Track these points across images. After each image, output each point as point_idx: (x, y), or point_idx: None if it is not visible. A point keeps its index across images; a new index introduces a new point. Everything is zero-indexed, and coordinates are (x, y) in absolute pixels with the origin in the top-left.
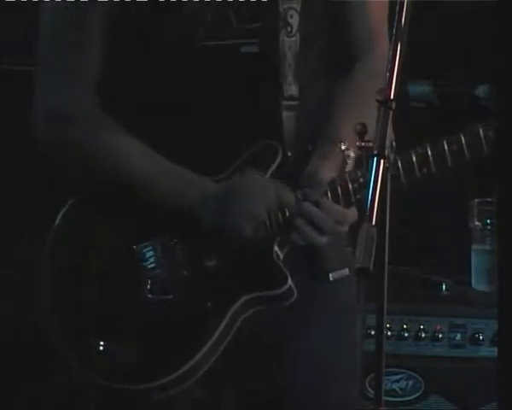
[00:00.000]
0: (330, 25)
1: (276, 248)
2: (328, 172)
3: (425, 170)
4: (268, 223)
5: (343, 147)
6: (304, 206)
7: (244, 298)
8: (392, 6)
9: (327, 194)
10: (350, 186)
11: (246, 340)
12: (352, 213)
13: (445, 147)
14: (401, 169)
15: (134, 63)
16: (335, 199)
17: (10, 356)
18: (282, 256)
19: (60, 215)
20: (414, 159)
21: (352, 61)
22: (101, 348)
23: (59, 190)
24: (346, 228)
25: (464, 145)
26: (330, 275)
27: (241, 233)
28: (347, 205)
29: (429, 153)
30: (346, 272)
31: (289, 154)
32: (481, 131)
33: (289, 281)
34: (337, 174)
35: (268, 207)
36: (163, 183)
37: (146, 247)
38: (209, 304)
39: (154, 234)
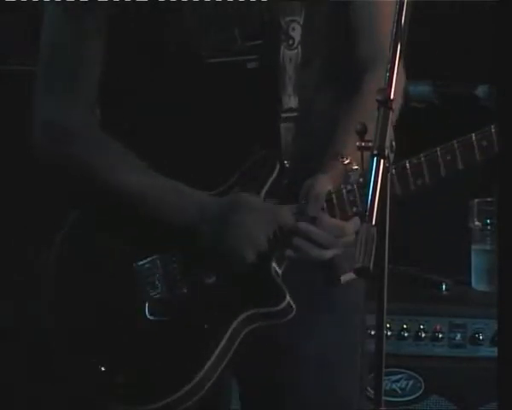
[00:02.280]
0: (333, 38)
1: (274, 264)
2: (324, 184)
3: (419, 181)
4: (266, 244)
5: (346, 161)
6: (300, 225)
7: (243, 315)
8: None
9: (323, 208)
10: (345, 198)
11: (248, 349)
12: (353, 224)
13: (439, 154)
14: (396, 182)
15: (136, 78)
16: (332, 212)
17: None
18: (280, 272)
19: (61, 233)
20: (408, 169)
21: (358, 75)
22: (102, 369)
23: (58, 200)
24: (349, 239)
25: (458, 154)
26: (342, 278)
27: (240, 257)
28: (344, 217)
29: (423, 162)
30: None
31: (287, 164)
32: (474, 140)
33: (287, 297)
34: (333, 187)
35: (267, 231)
36: (161, 199)
37: (145, 265)
38: (209, 322)
39: (153, 251)
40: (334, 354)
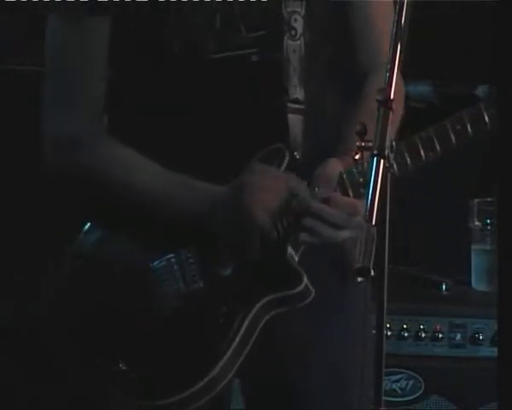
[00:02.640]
0: (336, 34)
1: (289, 248)
2: (335, 167)
3: (430, 153)
4: (280, 222)
5: (357, 157)
6: (312, 205)
7: (261, 303)
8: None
9: (335, 189)
10: (356, 178)
11: (269, 343)
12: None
13: (448, 127)
14: (407, 156)
15: (142, 78)
16: (344, 192)
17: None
18: (297, 256)
19: (76, 237)
20: (419, 143)
21: (359, 78)
22: (120, 365)
23: (71, 208)
24: (360, 220)
25: (467, 123)
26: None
27: (255, 227)
28: (357, 196)
29: (433, 135)
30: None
31: (297, 155)
32: (483, 108)
33: (305, 280)
34: (343, 168)
35: (281, 198)
36: (173, 196)
37: (161, 264)
38: (226, 313)
39: (168, 249)
40: (345, 355)
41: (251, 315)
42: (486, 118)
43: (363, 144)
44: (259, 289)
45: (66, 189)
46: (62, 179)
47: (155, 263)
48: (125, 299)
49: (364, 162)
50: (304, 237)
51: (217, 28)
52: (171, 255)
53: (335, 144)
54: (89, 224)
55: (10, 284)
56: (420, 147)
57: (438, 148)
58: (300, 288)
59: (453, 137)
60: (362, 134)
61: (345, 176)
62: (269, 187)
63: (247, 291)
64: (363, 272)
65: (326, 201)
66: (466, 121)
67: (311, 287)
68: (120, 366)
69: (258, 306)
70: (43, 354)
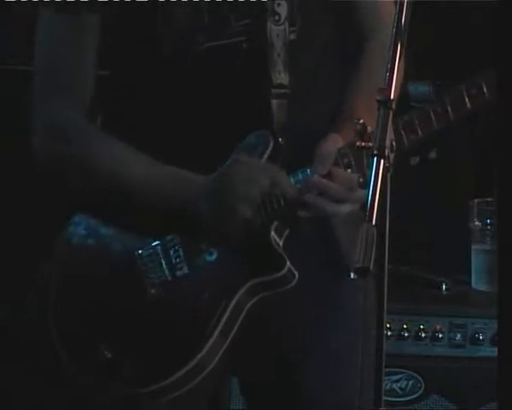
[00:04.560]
0: (332, 15)
1: (273, 233)
2: (334, 142)
3: (413, 136)
4: (263, 208)
5: (360, 122)
6: (311, 180)
7: (245, 287)
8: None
9: (338, 163)
10: (360, 151)
11: (254, 329)
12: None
13: (464, 91)
14: (418, 124)
15: (132, 69)
16: (347, 166)
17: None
18: (281, 242)
19: (65, 228)
20: (431, 113)
21: (360, 43)
22: (107, 353)
23: (58, 200)
24: (361, 193)
25: (484, 87)
26: (352, 274)
27: (238, 218)
28: (360, 172)
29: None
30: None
31: (281, 141)
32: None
33: (288, 264)
34: (347, 143)
35: (262, 189)
36: (158, 186)
37: (147, 251)
38: (211, 298)
39: (154, 237)
40: (342, 354)
41: (234, 300)
42: (485, 89)
43: (363, 144)
44: (243, 274)
45: (53, 179)
46: (49, 170)
47: (142, 251)
48: (112, 287)
49: (369, 129)
50: (304, 213)
51: (206, 20)
52: (157, 243)
53: (340, 108)
54: (77, 214)
55: (10, 283)
56: (416, 123)
57: (435, 124)
58: (283, 271)
59: (451, 113)
60: (362, 134)
61: (348, 150)
62: (249, 178)
63: (231, 276)
64: (364, 272)
65: (326, 176)
66: (464, 95)
67: (294, 271)
68: (105, 353)
69: (241, 291)
70: (32, 345)
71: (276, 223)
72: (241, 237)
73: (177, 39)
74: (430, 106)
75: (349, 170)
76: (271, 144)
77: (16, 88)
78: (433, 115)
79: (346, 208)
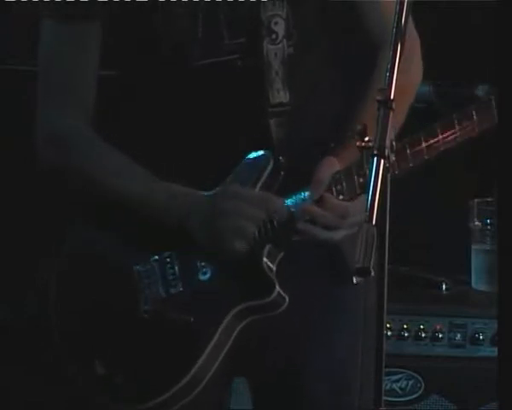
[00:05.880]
0: (332, 27)
1: (265, 259)
2: (330, 166)
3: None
4: (256, 233)
5: (366, 139)
6: (303, 207)
7: (234, 311)
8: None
9: (331, 189)
10: (355, 178)
11: (257, 334)
12: (359, 203)
13: (455, 121)
14: (409, 154)
15: (128, 84)
16: (340, 192)
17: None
18: (274, 266)
19: (67, 241)
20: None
21: (371, 51)
22: (103, 368)
23: (58, 206)
24: (355, 219)
25: (474, 115)
26: (354, 278)
27: (231, 249)
28: (351, 198)
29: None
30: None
31: (281, 160)
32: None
33: (277, 289)
34: (343, 168)
35: (256, 219)
36: (154, 202)
37: (144, 267)
38: (202, 318)
39: (152, 253)
40: (346, 357)
41: (224, 324)
42: (475, 117)
43: (363, 144)
44: (233, 297)
45: (53, 184)
46: (50, 175)
47: (139, 266)
48: (109, 300)
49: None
50: (296, 238)
51: (200, 36)
52: (155, 258)
53: (336, 134)
54: (76, 225)
55: (10, 284)
56: (422, 140)
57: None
58: (272, 296)
59: (442, 141)
60: (362, 134)
61: (342, 175)
62: (243, 213)
63: (222, 299)
64: (364, 272)
65: (319, 202)
66: (473, 115)
67: (284, 295)
68: (98, 369)
69: (231, 314)
70: (32, 345)
71: (268, 247)
72: (231, 260)
73: (171, 54)
74: (422, 134)
75: (341, 196)
76: (271, 164)
77: (16, 88)
78: (423, 143)
79: (338, 235)
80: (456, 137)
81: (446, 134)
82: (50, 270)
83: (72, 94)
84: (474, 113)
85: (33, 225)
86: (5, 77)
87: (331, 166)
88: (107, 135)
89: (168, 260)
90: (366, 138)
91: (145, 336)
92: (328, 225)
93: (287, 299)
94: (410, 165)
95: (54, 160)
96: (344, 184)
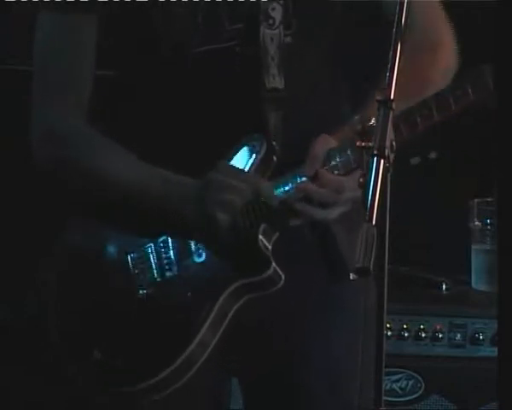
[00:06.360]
0: (334, 18)
1: (261, 236)
2: (324, 143)
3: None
4: (246, 215)
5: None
6: (298, 186)
7: (230, 289)
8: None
9: (326, 165)
10: (349, 152)
11: (253, 330)
12: (354, 178)
13: (449, 94)
14: (402, 127)
15: (126, 72)
16: (335, 168)
17: (9, 356)
18: (270, 245)
19: (61, 237)
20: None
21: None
22: (99, 352)
23: (57, 202)
24: (351, 194)
25: (469, 89)
26: (351, 275)
27: (218, 223)
28: (347, 172)
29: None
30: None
31: (275, 144)
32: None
33: (273, 265)
34: (337, 145)
35: (243, 198)
36: (149, 189)
37: (139, 253)
38: (197, 299)
39: (146, 238)
40: (344, 355)
41: (220, 301)
42: (470, 90)
43: (363, 144)
44: (229, 275)
45: (52, 181)
46: (48, 173)
47: (134, 253)
48: (105, 289)
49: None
50: (293, 221)
51: (201, 23)
52: (149, 244)
53: (334, 127)
54: (74, 217)
55: (10, 283)
56: (417, 115)
57: (435, 115)
58: (268, 273)
59: (453, 103)
60: (362, 134)
61: (337, 152)
62: (232, 188)
63: (218, 278)
64: (363, 272)
65: (314, 178)
66: (467, 86)
67: (280, 272)
68: (96, 354)
69: (226, 292)
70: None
71: (263, 226)
72: (223, 242)
73: (172, 44)
74: (415, 108)
75: (336, 172)
76: (264, 148)
77: (16, 88)
78: (418, 118)
79: (335, 212)
80: (450, 110)
81: (440, 106)
82: (50, 270)
83: (70, 89)
84: (468, 86)
85: (33, 225)
86: (5, 77)
87: (326, 142)
88: (106, 134)
89: (163, 244)
90: (366, 138)
91: (141, 319)
92: (324, 201)
93: (283, 277)
94: (404, 136)
95: (51, 154)
96: (338, 159)
